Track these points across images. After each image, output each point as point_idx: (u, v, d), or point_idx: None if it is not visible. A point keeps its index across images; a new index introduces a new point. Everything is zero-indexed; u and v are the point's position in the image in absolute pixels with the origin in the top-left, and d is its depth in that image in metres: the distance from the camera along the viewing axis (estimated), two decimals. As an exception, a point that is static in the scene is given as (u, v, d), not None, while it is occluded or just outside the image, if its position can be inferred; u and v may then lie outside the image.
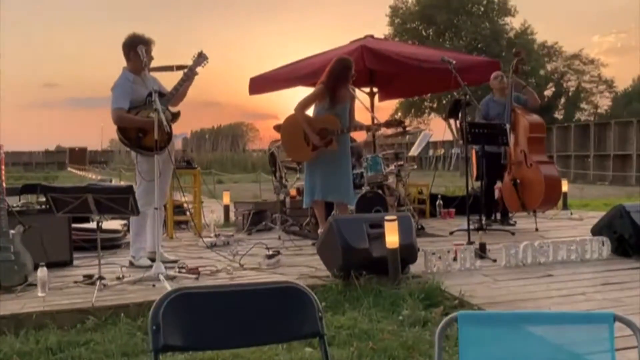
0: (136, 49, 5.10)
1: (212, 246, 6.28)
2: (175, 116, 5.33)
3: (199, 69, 5.25)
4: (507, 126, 6.99)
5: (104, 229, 5.38)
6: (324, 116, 6.09)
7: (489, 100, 7.75)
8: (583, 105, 43.57)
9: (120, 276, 4.79)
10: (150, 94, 4.89)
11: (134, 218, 5.22)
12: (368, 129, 6.73)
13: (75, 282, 4.78)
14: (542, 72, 40.18)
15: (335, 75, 6.03)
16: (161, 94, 5.11)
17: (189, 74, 5.22)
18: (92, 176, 23.10)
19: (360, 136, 8.17)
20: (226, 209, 9.03)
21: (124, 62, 5.34)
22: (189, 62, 5.23)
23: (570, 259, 5.52)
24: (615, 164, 22.68)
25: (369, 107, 6.64)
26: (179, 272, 4.96)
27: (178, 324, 1.90)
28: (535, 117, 7.45)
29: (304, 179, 6.55)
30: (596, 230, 6.03)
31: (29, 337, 3.75)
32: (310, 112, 6.24)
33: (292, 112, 6.25)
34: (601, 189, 18.34)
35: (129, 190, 4.60)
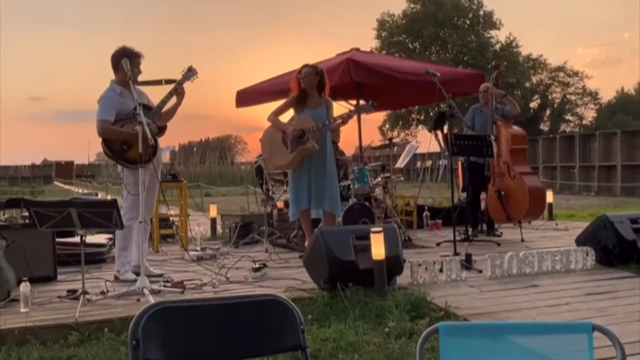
0: (121, 62, 5.10)
1: (198, 260, 6.24)
2: (162, 130, 5.32)
3: (187, 84, 5.26)
4: (492, 137, 7.04)
5: (89, 243, 5.34)
6: (299, 118, 6.10)
7: (476, 109, 7.80)
8: (568, 116, 44.05)
9: (105, 291, 4.76)
10: (137, 107, 4.88)
11: (120, 232, 5.19)
12: (342, 118, 6.64)
13: (59, 297, 4.74)
14: (527, 84, 40.58)
15: (301, 80, 6.09)
16: (148, 108, 5.11)
17: (177, 87, 5.22)
18: (78, 190, 22.95)
19: (349, 152, 8.22)
20: (213, 222, 9.01)
21: (111, 75, 5.33)
22: (178, 76, 5.24)
23: (555, 269, 5.54)
24: (601, 175, 22.86)
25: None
26: (164, 286, 4.93)
27: (159, 338, 1.88)
28: (517, 129, 7.52)
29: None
30: (581, 241, 6.06)
31: (11, 353, 3.71)
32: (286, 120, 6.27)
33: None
34: (587, 199, 18.47)
35: (113, 204, 4.58)
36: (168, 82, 5.28)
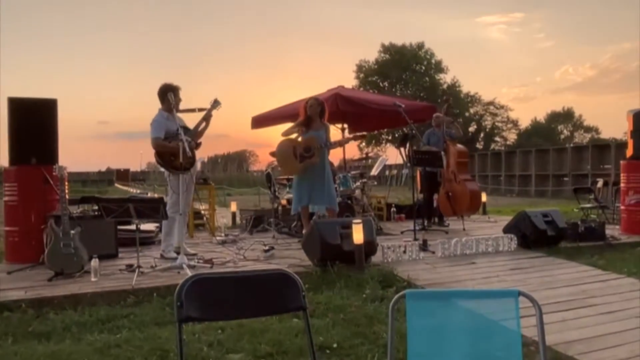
0: (167, 95, 5.10)
1: (222, 243, 6.23)
2: (197, 145, 5.32)
3: (214, 112, 5.27)
4: (442, 153, 7.05)
5: (142, 230, 5.32)
6: (306, 137, 6.04)
7: (430, 132, 7.82)
8: (497, 138, 44.22)
9: (154, 265, 4.74)
10: (178, 129, 4.89)
11: (165, 221, 5.17)
12: (340, 143, 6.67)
13: (120, 269, 4.73)
14: (467, 114, 40.72)
15: (307, 109, 6.04)
16: (186, 129, 5.10)
17: (206, 116, 5.23)
18: (133, 190, 22.77)
19: (335, 163, 8.18)
20: (233, 215, 8.95)
21: (158, 105, 5.32)
22: (208, 106, 5.24)
23: (488, 251, 5.55)
24: (520, 181, 22.96)
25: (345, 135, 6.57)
26: (197, 262, 4.91)
27: (196, 301, 1.87)
28: (461, 147, 7.53)
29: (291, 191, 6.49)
30: (506, 230, 6.07)
31: (85, 311, 3.69)
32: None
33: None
34: (510, 199, 18.52)
35: (160, 200, 4.57)
36: (200, 110, 5.27)
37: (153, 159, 5.39)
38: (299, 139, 6.07)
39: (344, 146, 6.40)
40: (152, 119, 5.23)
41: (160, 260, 5.13)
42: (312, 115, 6.04)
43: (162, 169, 5.26)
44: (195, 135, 5.21)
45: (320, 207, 6.17)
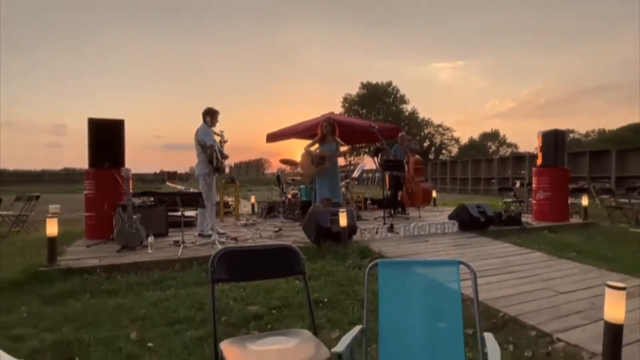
0: (208, 115, 5.10)
1: (244, 225, 6.20)
2: (225, 157, 5.29)
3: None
4: (405, 162, 7.04)
5: (185, 215, 5.27)
6: (322, 150, 6.07)
7: (397, 147, 7.82)
8: (444, 151, 44.22)
9: (194, 241, 4.70)
10: (213, 143, 4.86)
11: (200, 209, 5.14)
12: (343, 153, 6.69)
13: (169, 244, 4.68)
14: (422, 133, 40.70)
15: (325, 129, 6.06)
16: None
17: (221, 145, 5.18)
18: (179, 187, 22.62)
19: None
20: (252, 205, 8.89)
21: (195, 124, 5.31)
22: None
23: (437, 232, 5.55)
24: (460, 183, 23.04)
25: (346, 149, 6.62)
26: (226, 239, 4.87)
27: (225, 267, 1.86)
28: (418, 157, 7.52)
29: (310, 187, 6.45)
30: (450, 217, 6.06)
31: (143, 274, 3.66)
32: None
33: (292, 152, 6.26)
34: (453, 195, 18.56)
35: (200, 194, 4.53)
36: (223, 141, 5.28)
37: (193, 164, 5.35)
38: (317, 150, 6.11)
39: (345, 155, 6.50)
40: (202, 131, 5.04)
41: (199, 237, 5.10)
42: (326, 133, 6.08)
43: (202, 171, 5.19)
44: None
45: (338, 198, 6.12)
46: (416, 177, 7.27)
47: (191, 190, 11.30)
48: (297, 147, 6.33)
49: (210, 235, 4.85)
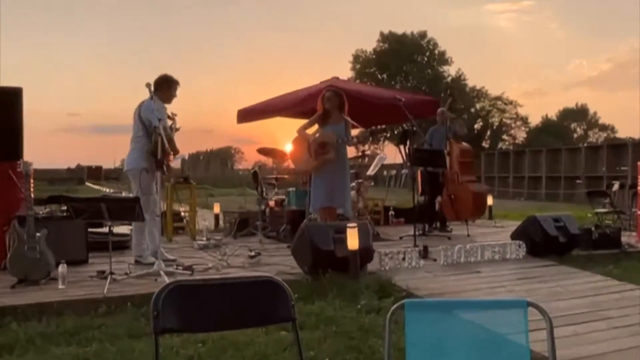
0: (164, 85, 5.29)
1: (204, 248, 6.21)
2: (173, 151, 5.23)
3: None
4: (445, 152, 7.08)
5: (115, 233, 5.29)
6: (322, 133, 6.00)
7: (434, 130, 7.86)
8: (504, 137, 44.50)
9: (128, 272, 4.71)
10: (158, 124, 4.87)
11: (135, 224, 5.16)
12: (359, 140, 6.68)
13: (90, 276, 4.70)
14: (472, 110, 40.94)
15: (324, 102, 6.00)
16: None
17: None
18: (106, 190, 22.65)
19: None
20: (216, 217, 8.92)
21: (138, 96, 5.36)
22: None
23: (494, 258, 5.58)
24: (529, 184, 23.15)
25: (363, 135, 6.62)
26: (176, 269, 4.89)
27: (175, 310, 1.86)
28: (465, 145, 7.57)
29: (305, 191, 6.43)
30: (514, 235, 6.10)
31: (50, 322, 3.65)
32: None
33: (277, 138, 6.26)
34: (518, 203, 18.67)
35: (136, 200, 4.53)
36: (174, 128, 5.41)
37: (125, 156, 5.38)
38: (317, 135, 6.04)
39: (363, 143, 6.47)
40: (147, 107, 5.09)
41: (135, 266, 5.11)
42: (330, 108, 5.97)
43: (137, 164, 5.20)
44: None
45: (345, 206, 6.09)
46: (463, 174, 7.32)
47: (124, 194, 11.37)
48: (284, 130, 6.34)
49: (152, 263, 4.85)
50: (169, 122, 5.30)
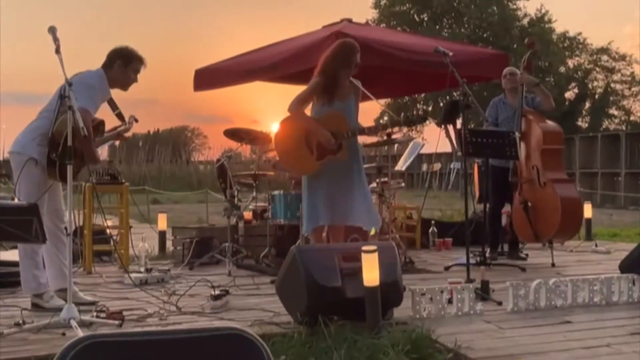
0: (119, 60, 5.58)
1: (141, 284, 6.23)
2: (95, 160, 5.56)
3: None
4: (517, 135, 7.05)
5: (1, 261, 5.30)
6: (326, 115, 6.01)
7: (499, 101, 7.85)
8: (612, 110, 44.38)
9: (21, 322, 4.69)
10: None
11: (23, 247, 5.23)
12: (384, 128, 6.72)
13: (-38, 328, 4.70)
14: (562, 69, 40.92)
15: (337, 64, 5.99)
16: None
17: (122, 133, 5.96)
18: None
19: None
20: (162, 236, 8.97)
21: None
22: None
23: (594, 301, 5.56)
24: (652, 185, 23.09)
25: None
26: (98, 316, 4.89)
27: (90, 382, 1.87)
28: (551, 125, 7.56)
29: (297, 195, 6.57)
30: (626, 267, 6.09)
31: None
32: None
33: (259, 112, 6.32)
34: (634, 215, 18.62)
35: (34, 210, 4.53)
36: (119, 116, 5.75)
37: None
38: (319, 116, 6.05)
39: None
40: (90, 78, 5.44)
41: (33, 312, 5.13)
42: (336, 72, 5.99)
43: (27, 149, 5.27)
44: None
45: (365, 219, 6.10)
46: (548, 170, 7.30)
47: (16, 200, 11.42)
48: (267, 101, 6.38)
49: (59, 308, 4.85)
50: (121, 126, 5.71)
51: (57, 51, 5.04)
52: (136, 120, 6.03)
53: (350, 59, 6.00)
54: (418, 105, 40.11)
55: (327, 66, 6.02)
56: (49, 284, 5.40)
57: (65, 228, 5.20)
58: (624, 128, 39.51)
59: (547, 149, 7.37)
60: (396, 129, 7.69)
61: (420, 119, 6.91)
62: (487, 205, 7.60)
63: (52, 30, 5.09)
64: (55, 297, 5.30)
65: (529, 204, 7.31)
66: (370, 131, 6.31)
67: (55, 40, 5.04)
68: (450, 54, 6.69)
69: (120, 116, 5.72)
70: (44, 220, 4.97)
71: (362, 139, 6.91)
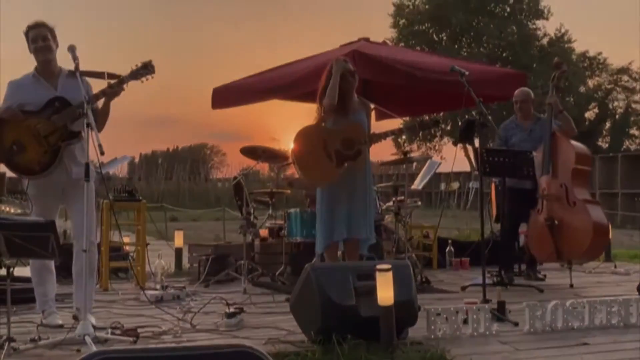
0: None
1: (157, 301, 6.24)
2: (74, 135, 5.25)
3: (136, 83, 5.20)
4: (534, 154, 7.01)
5: (17, 277, 5.31)
6: (344, 126, 6.09)
7: (511, 123, 7.81)
8: (633, 131, 44.04)
9: (36, 338, 4.70)
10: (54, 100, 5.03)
11: (36, 263, 5.31)
12: (400, 132, 6.79)
13: (-23, 344, 4.72)
14: (582, 89, 40.66)
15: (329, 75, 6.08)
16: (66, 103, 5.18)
17: (115, 86, 5.19)
18: (6, 209, 22.91)
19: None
20: (178, 253, 8.98)
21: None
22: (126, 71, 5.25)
23: (612, 323, 5.51)
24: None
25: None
26: (112, 333, 4.90)
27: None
28: (582, 146, 7.49)
29: (313, 213, 6.58)
30: (647, 288, 6.04)
31: None
32: None
33: (276, 129, 6.36)
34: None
35: (50, 227, 4.56)
36: (111, 76, 5.28)
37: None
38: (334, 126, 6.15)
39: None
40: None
41: (48, 328, 5.14)
42: (348, 90, 6.07)
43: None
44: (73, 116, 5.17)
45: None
46: (577, 190, 7.19)
47: (30, 216, 11.48)
48: (284, 119, 6.42)
49: (61, 325, 5.02)
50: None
51: (76, 69, 5.09)
52: (147, 68, 5.16)
53: (353, 79, 6.12)
54: (437, 124, 39.92)
55: (326, 80, 6.11)
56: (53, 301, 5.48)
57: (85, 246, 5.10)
58: (645, 149, 39.15)
59: (578, 169, 7.28)
60: (411, 148, 7.73)
61: (434, 123, 6.89)
62: (504, 225, 7.58)
63: (71, 49, 5.12)
64: (55, 314, 5.37)
65: (556, 222, 7.15)
66: (387, 135, 6.30)
67: (75, 58, 5.09)
68: (466, 73, 6.69)
69: (111, 76, 5.30)
70: None
71: (379, 157, 6.94)
